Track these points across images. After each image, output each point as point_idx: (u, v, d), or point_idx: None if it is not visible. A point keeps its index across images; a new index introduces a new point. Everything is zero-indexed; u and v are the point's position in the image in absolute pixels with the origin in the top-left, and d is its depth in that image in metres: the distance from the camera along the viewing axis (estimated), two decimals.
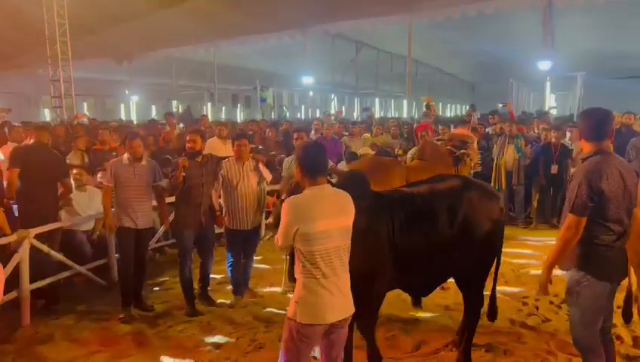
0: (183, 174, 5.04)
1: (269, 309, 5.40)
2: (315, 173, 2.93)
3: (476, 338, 4.57)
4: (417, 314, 4.89)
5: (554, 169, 8.27)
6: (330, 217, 2.86)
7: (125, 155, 5.22)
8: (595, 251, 3.12)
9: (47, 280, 5.32)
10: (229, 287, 5.79)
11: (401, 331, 4.72)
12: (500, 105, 11.98)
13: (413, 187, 4.08)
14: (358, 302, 3.39)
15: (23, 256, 4.92)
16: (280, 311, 5.31)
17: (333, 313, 2.87)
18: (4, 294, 4.82)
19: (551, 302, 5.37)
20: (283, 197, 3.10)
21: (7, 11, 13.97)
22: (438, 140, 6.41)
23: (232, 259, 5.60)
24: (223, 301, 5.61)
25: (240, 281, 5.70)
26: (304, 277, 2.88)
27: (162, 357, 4.39)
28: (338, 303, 2.89)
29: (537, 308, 5.26)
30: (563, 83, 22.71)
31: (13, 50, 18.52)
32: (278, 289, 5.89)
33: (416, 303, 4.26)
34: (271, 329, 4.88)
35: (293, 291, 5.60)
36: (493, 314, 4.25)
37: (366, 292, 3.57)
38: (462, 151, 5.78)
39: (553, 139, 8.44)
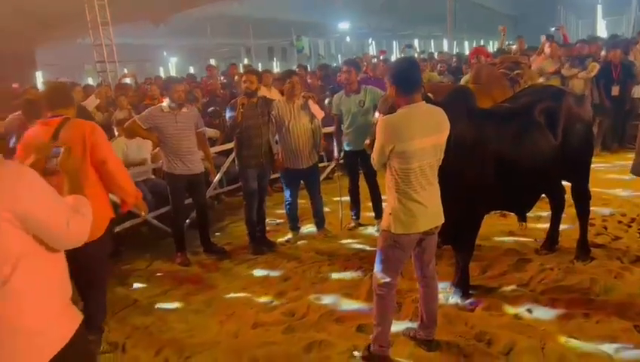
0: (242, 111, 5.06)
1: (330, 244, 5.48)
2: (409, 90, 2.92)
3: (543, 258, 4.57)
4: (480, 242, 4.83)
5: (615, 90, 7.83)
6: (425, 135, 2.90)
7: (165, 103, 5.18)
8: None
9: (116, 229, 5.51)
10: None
11: None
12: (552, 28, 11.34)
13: (513, 101, 4.21)
14: (464, 223, 3.69)
15: None
16: (341, 246, 5.41)
17: (425, 222, 3.03)
18: None
19: (619, 222, 5.23)
20: (380, 117, 3.12)
21: None
22: (490, 64, 6.19)
23: (289, 199, 5.67)
24: (282, 240, 5.72)
25: (296, 219, 5.81)
26: (397, 192, 2.99)
27: (234, 291, 4.54)
28: (430, 213, 3.03)
29: (605, 228, 5.13)
30: (615, 6, 21.35)
31: (51, 22, 18.78)
32: (337, 228, 5.93)
33: (522, 219, 4.37)
34: (334, 262, 4.97)
35: (353, 229, 5.75)
36: (585, 253, 4.45)
37: (469, 213, 3.78)
38: (516, 72, 5.56)
39: (614, 59, 7.94)
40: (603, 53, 8.41)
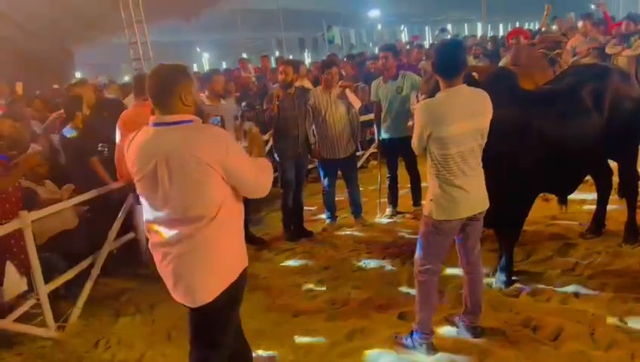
0: (277, 103, 5.07)
1: (368, 233, 5.45)
2: (449, 74, 2.87)
3: (589, 242, 4.44)
4: (523, 227, 4.71)
5: None
6: (465, 120, 2.83)
7: (204, 95, 5.16)
8: None
9: None
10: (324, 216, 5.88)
11: None
12: (593, 6, 10.91)
13: (558, 82, 4.09)
14: (507, 208, 3.59)
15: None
16: (379, 235, 5.38)
17: (468, 208, 2.97)
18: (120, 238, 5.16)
19: None
20: (422, 98, 3.09)
21: None
22: (530, 44, 6.03)
23: (327, 188, 5.67)
24: (319, 230, 5.71)
25: (333, 208, 5.79)
26: (437, 177, 2.94)
27: (274, 280, 4.58)
28: (472, 199, 2.96)
29: None
30: None
31: (87, 23, 19.21)
32: (374, 217, 5.89)
33: (563, 201, 4.29)
34: (372, 250, 4.95)
35: (390, 217, 5.69)
36: (633, 236, 4.28)
37: (517, 197, 3.70)
38: (556, 51, 5.39)
39: None
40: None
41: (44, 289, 3.91)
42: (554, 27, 9.28)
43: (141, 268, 5.17)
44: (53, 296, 4.13)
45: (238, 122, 5.47)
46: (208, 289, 2.33)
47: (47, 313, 3.93)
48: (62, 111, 5.56)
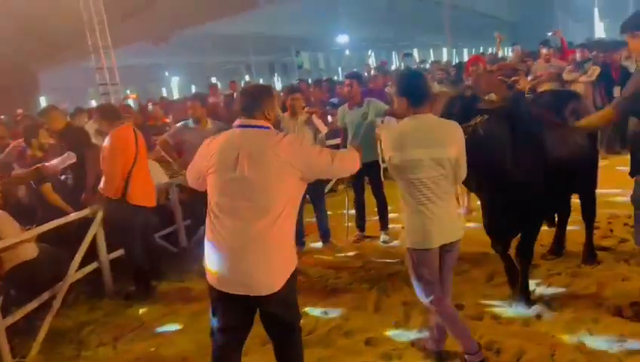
0: None
1: (336, 258, 5.48)
2: (418, 102, 2.93)
3: (550, 263, 4.55)
4: (485, 249, 4.80)
5: (617, 92, 7.84)
6: (426, 147, 2.86)
7: (191, 119, 5.49)
8: None
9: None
10: None
11: (472, 265, 4.68)
12: (549, 33, 11.34)
13: (536, 105, 4.24)
14: (525, 225, 3.79)
15: (98, 229, 5.10)
16: (347, 260, 5.40)
17: (439, 237, 2.97)
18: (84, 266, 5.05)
19: (625, 224, 5.18)
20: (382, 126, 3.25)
21: (44, 11, 14.54)
22: (489, 71, 6.23)
23: None
24: None
25: (301, 233, 5.77)
26: (406, 205, 3.00)
27: None
28: (442, 228, 2.96)
29: (611, 230, 5.11)
30: (611, 8, 21.40)
31: (54, 48, 18.98)
32: (342, 241, 5.91)
33: (553, 223, 4.41)
34: (340, 276, 4.96)
35: (358, 241, 5.72)
36: (591, 257, 4.42)
37: (534, 213, 3.78)
38: (513, 78, 5.57)
39: (615, 61, 8.00)
40: (594, 54, 8.51)
41: (1, 324, 3.79)
42: (510, 54, 9.66)
43: (105, 299, 5.08)
44: (12, 330, 4.00)
45: None
46: (278, 278, 2.59)
47: (4, 348, 3.80)
48: (21, 140, 5.46)
